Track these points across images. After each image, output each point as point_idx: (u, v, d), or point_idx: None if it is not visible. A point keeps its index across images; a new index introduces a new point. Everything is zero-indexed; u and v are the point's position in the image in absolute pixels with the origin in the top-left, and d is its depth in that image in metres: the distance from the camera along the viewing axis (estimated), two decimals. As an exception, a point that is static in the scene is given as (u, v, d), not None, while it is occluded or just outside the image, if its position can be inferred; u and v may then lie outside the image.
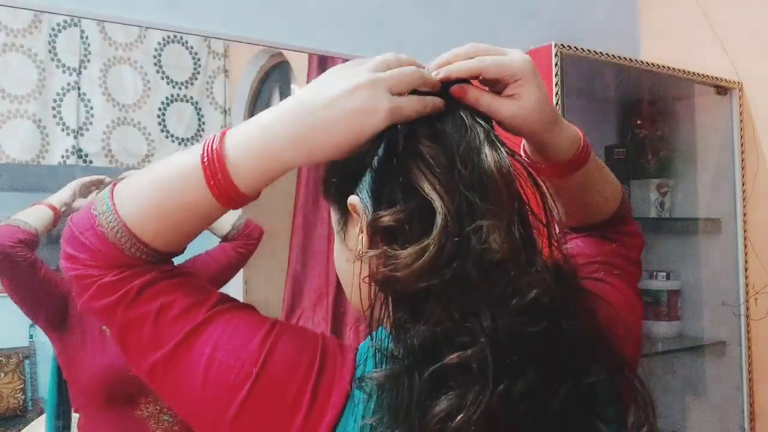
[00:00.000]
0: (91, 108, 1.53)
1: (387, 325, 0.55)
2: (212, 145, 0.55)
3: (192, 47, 1.67)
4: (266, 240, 1.64)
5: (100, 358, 1.27)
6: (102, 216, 0.56)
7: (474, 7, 1.89)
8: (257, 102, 1.93)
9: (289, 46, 1.64)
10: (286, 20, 1.59)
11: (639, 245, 0.79)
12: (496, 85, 0.62)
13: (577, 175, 0.68)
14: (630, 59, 1.82)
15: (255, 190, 0.56)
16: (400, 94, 0.56)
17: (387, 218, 0.54)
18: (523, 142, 0.68)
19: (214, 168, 0.54)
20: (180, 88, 1.65)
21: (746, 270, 2.01)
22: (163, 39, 1.60)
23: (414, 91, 0.59)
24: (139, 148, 1.60)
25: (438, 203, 0.52)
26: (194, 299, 0.57)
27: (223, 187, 0.54)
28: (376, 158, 0.59)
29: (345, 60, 1.73)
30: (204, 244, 1.55)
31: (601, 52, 1.75)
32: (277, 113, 0.56)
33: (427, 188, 0.53)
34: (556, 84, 1.61)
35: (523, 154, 0.68)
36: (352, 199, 0.60)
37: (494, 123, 0.62)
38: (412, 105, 0.56)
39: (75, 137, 1.50)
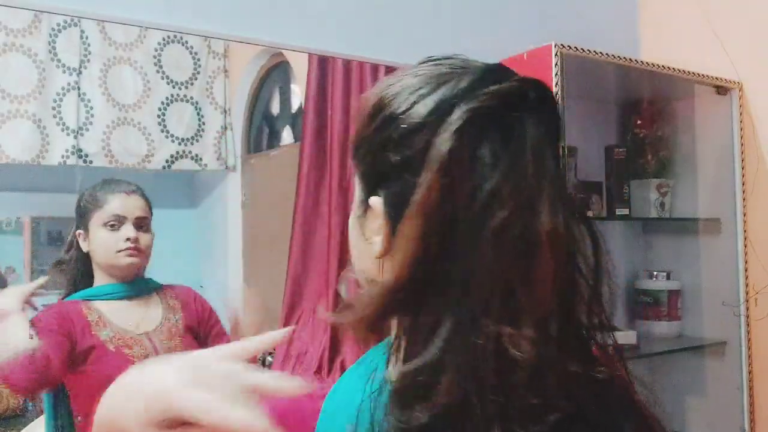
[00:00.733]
0: (91, 108, 1.53)
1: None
2: None
3: (192, 47, 1.67)
4: (266, 241, 1.64)
5: (100, 369, 1.27)
6: None
7: (474, 7, 1.89)
8: (257, 102, 1.93)
9: (289, 46, 1.64)
10: (286, 20, 1.59)
11: None
12: None
13: None
14: (630, 59, 1.82)
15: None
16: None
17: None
18: None
19: None
20: (180, 88, 1.65)
21: (746, 270, 2.00)
22: (163, 39, 1.60)
23: None
24: (139, 148, 1.60)
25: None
26: None
27: None
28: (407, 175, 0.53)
29: (345, 60, 1.74)
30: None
31: (601, 52, 1.75)
32: None
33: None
34: (556, 84, 1.61)
35: None
36: (374, 201, 0.56)
37: None
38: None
39: (75, 137, 1.50)
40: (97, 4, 1.36)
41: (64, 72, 1.50)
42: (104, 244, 1.32)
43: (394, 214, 0.54)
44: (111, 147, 1.55)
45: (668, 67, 1.90)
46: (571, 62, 1.66)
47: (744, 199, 2.01)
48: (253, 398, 0.44)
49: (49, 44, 1.47)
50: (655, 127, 2.15)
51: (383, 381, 0.51)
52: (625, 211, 2.06)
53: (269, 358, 1.74)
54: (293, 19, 1.60)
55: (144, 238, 1.35)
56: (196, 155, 1.68)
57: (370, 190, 0.57)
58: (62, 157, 1.50)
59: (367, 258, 0.58)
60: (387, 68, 1.68)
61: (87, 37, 1.52)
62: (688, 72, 1.94)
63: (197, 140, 1.68)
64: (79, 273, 1.35)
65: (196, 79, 1.68)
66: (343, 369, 1.68)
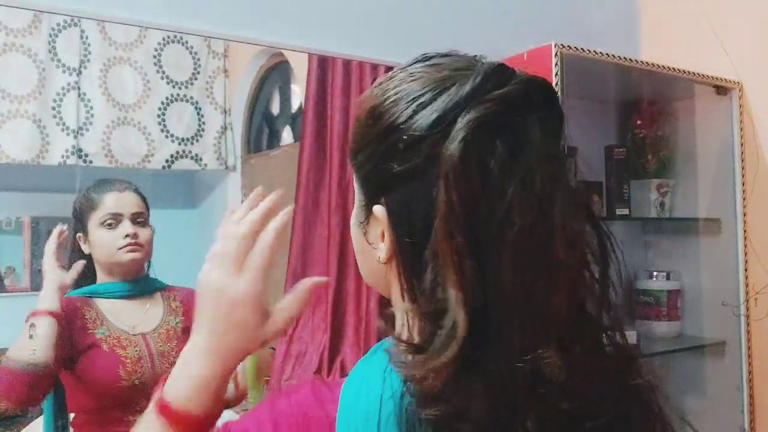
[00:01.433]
0: (91, 108, 1.53)
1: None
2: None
3: (192, 47, 1.67)
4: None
5: (92, 368, 1.26)
6: None
7: (474, 7, 1.89)
8: (257, 102, 1.93)
9: (289, 46, 1.64)
10: (286, 20, 1.59)
11: None
12: None
13: None
14: (630, 59, 1.82)
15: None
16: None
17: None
18: None
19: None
20: (180, 88, 1.65)
21: (746, 270, 2.00)
22: (163, 39, 1.60)
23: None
24: (139, 148, 1.60)
25: (457, 311, 0.47)
26: None
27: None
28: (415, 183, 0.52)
29: (345, 60, 1.74)
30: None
31: (601, 52, 1.75)
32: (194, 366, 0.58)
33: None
34: (556, 84, 1.61)
35: None
36: (378, 210, 0.55)
37: None
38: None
39: (75, 137, 1.50)
40: (97, 4, 1.36)
41: (64, 72, 1.50)
42: (104, 244, 1.32)
43: (399, 222, 0.54)
44: (111, 147, 1.55)
45: (668, 67, 1.90)
46: (571, 62, 1.66)
47: (744, 199, 2.01)
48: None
49: (49, 44, 1.47)
50: (655, 127, 2.15)
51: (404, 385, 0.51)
52: (625, 211, 2.06)
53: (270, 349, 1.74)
54: (293, 19, 1.60)
55: (143, 232, 1.34)
56: (196, 155, 1.68)
57: (371, 197, 0.57)
58: (62, 157, 1.50)
59: (372, 262, 0.58)
60: (387, 68, 1.68)
61: (87, 37, 1.52)
62: (688, 72, 1.94)
63: (197, 140, 1.68)
64: (82, 275, 1.35)
65: (196, 79, 1.68)
66: (343, 369, 1.68)
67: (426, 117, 0.51)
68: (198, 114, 1.69)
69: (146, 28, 1.54)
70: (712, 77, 1.99)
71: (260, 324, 0.57)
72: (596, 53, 1.74)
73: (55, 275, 1.24)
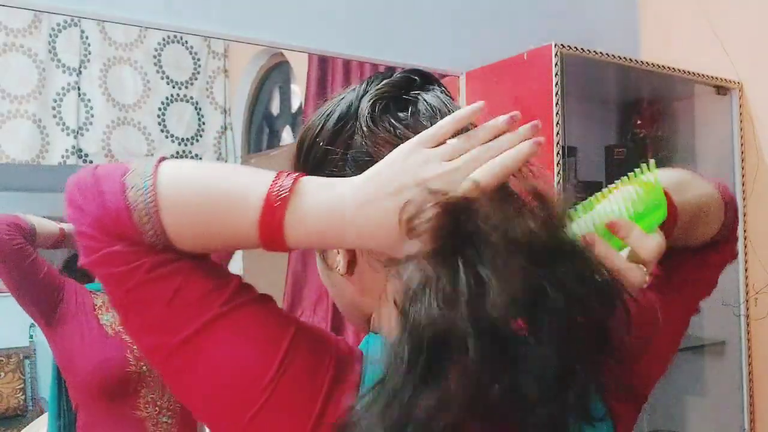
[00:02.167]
0: (91, 108, 1.53)
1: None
2: (276, 202, 0.51)
3: (192, 47, 1.67)
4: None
5: (97, 353, 1.27)
6: (136, 193, 0.51)
7: (474, 7, 1.89)
8: (257, 102, 1.93)
9: (289, 46, 1.65)
10: (286, 20, 1.59)
11: (717, 264, 0.74)
12: None
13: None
14: (630, 59, 1.82)
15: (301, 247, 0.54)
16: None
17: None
18: None
19: (272, 228, 0.51)
20: (180, 88, 1.65)
21: (746, 270, 2.00)
22: (163, 39, 1.60)
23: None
24: (139, 148, 1.60)
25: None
26: (212, 285, 0.52)
27: (275, 246, 0.52)
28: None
29: (345, 60, 1.74)
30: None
31: (601, 52, 1.75)
32: (359, 201, 0.51)
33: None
34: (556, 84, 1.61)
35: None
36: None
37: None
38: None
39: (75, 137, 1.50)
40: (97, 4, 1.36)
41: (64, 72, 1.50)
42: None
43: None
44: (111, 147, 1.55)
45: (668, 67, 1.90)
46: (571, 62, 1.66)
47: (744, 199, 2.01)
48: None
49: (49, 44, 1.47)
50: (655, 127, 2.15)
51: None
52: (625, 211, 2.06)
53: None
54: (293, 19, 1.60)
55: None
56: (196, 155, 1.68)
57: None
58: (62, 157, 1.50)
59: (345, 290, 0.61)
60: (387, 68, 1.68)
61: (87, 37, 1.52)
62: (688, 72, 1.94)
63: (197, 140, 1.68)
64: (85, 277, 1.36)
65: (196, 79, 1.68)
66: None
67: (333, 118, 0.60)
68: (198, 114, 1.69)
69: (146, 28, 1.54)
70: (712, 77, 1.99)
71: None
72: (596, 53, 1.74)
73: None
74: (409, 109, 0.58)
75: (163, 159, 0.53)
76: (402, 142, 0.53)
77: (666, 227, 0.59)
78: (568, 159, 1.88)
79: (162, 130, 1.62)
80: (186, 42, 1.65)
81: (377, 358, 0.49)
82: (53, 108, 1.48)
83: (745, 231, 2.01)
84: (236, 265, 1.76)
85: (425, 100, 0.59)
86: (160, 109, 1.62)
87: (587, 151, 2.07)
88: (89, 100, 1.52)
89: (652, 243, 0.55)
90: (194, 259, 0.53)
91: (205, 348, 0.52)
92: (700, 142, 2.12)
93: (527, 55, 1.68)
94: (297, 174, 0.52)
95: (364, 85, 0.61)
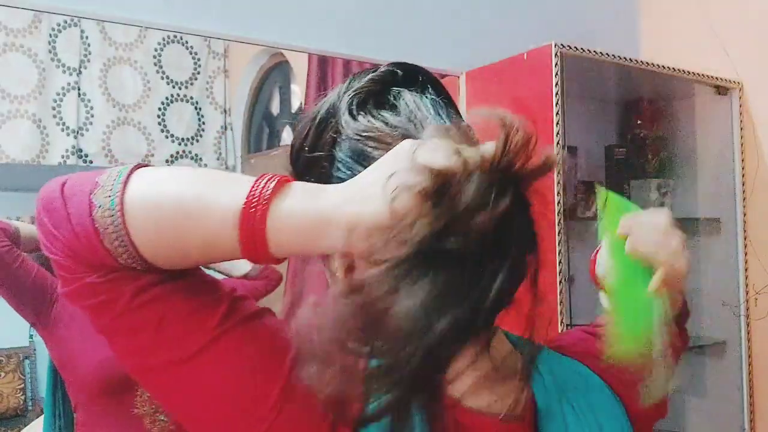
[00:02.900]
0: (91, 108, 1.53)
1: None
2: (256, 212, 0.46)
3: (192, 47, 1.67)
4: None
5: (98, 351, 1.26)
6: (104, 214, 0.46)
7: (474, 7, 1.89)
8: (257, 102, 1.93)
9: (289, 46, 1.65)
10: (286, 20, 1.59)
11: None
12: None
13: None
14: (630, 59, 1.82)
15: (287, 256, 0.50)
16: None
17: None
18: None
19: (253, 232, 0.46)
20: (180, 88, 1.65)
21: (746, 270, 2.01)
22: (163, 39, 1.60)
23: None
24: (139, 148, 1.60)
25: None
26: (200, 309, 0.49)
27: (257, 252, 0.47)
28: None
29: (345, 60, 1.74)
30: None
31: (601, 52, 1.75)
32: (344, 198, 0.47)
33: None
34: (556, 84, 1.61)
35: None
36: None
37: None
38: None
39: (75, 137, 1.50)
40: (97, 4, 1.36)
41: (64, 72, 1.50)
42: None
43: None
44: (111, 147, 1.55)
45: (668, 67, 1.90)
46: (571, 62, 1.66)
47: (744, 199, 2.01)
48: None
49: (49, 44, 1.47)
50: (655, 127, 2.16)
51: None
52: (625, 211, 2.06)
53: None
54: (293, 19, 1.60)
55: None
56: (196, 155, 1.68)
57: None
58: (62, 157, 1.49)
59: None
60: (372, 66, 1.68)
61: (87, 37, 1.52)
62: (688, 72, 1.94)
63: (197, 140, 1.68)
64: None
65: (196, 79, 1.68)
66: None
67: (316, 120, 0.60)
68: (198, 114, 1.69)
69: (146, 28, 1.54)
70: (712, 77, 2.00)
71: None
72: (596, 53, 1.74)
73: None
74: (389, 105, 0.58)
75: (137, 168, 0.50)
76: (383, 137, 0.53)
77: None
78: (569, 159, 1.88)
79: (162, 130, 1.62)
80: (186, 42, 1.65)
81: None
82: (53, 108, 1.48)
83: (745, 231, 2.01)
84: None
85: (404, 99, 0.58)
86: (160, 109, 1.62)
87: (587, 151, 2.07)
88: (89, 100, 1.52)
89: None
90: (180, 277, 0.50)
91: (203, 371, 0.49)
92: (700, 142, 2.12)
93: (527, 55, 1.68)
94: (279, 176, 0.48)
95: (347, 83, 0.61)
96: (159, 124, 1.62)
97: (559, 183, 1.58)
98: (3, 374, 1.49)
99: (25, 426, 1.45)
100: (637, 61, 1.85)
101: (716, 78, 2.00)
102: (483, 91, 1.77)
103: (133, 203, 0.47)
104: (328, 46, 1.64)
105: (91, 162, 1.53)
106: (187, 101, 1.67)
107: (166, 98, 1.63)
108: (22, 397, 1.50)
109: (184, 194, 0.48)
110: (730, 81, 2.02)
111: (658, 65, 1.88)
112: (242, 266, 1.46)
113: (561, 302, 1.59)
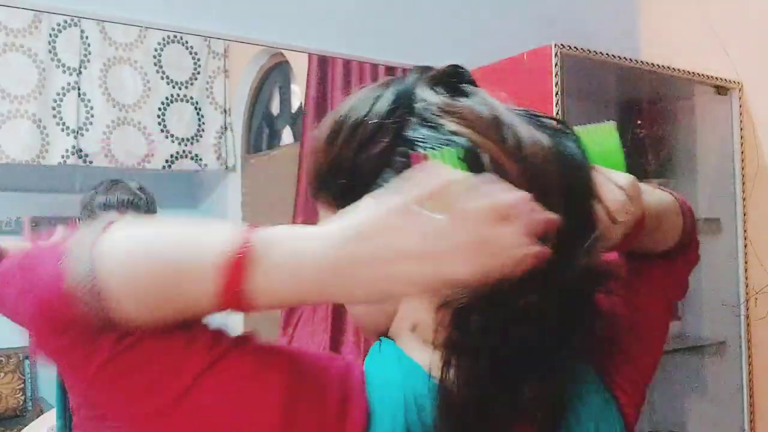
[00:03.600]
0: (91, 108, 1.53)
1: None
2: (236, 273, 0.44)
3: (192, 47, 1.67)
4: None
5: None
6: (75, 281, 0.44)
7: (474, 7, 1.89)
8: (257, 102, 1.93)
9: (289, 46, 1.65)
10: (286, 20, 1.59)
11: (683, 267, 0.76)
12: None
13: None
14: (630, 59, 1.82)
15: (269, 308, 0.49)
16: None
17: None
18: None
19: (234, 290, 0.45)
20: (180, 88, 1.65)
21: (746, 270, 2.00)
22: (163, 39, 1.60)
23: None
24: (139, 148, 1.60)
25: None
26: (186, 339, 0.47)
27: (239, 307, 0.46)
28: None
29: (345, 60, 1.74)
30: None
31: (601, 52, 1.75)
32: (348, 261, 0.45)
33: None
34: (556, 84, 1.61)
35: None
36: None
37: None
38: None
39: (75, 137, 1.50)
40: (97, 4, 1.36)
41: (64, 72, 1.50)
42: None
43: None
44: (111, 147, 1.55)
45: (668, 67, 1.90)
46: (571, 62, 1.66)
47: (744, 199, 2.01)
48: None
49: (49, 44, 1.47)
50: (655, 127, 2.16)
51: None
52: (625, 211, 2.06)
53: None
54: (293, 19, 1.60)
55: None
56: (196, 155, 1.68)
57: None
58: (62, 157, 1.49)
59: (378, 308, 0.58)
60: (387, 68, 1.68)
61: (87, 37, 1.52)
62: (688, 72, 1.94)
63: (197, 140, 1.68)
64: None
65: (196, 79, 1.68)
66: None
67: (383, 103, 0.56)
68: (198, 114, 1.69)
69: (146, 28, 1.54)
70: (712, 77, 2.00)
71: None
72: (596, 53, 1.74)
73: None
74: (468, 96, 0.56)
75: (107, 225, 0.47)
76: (467, 123, 0.52)
77: (637, 222, 0.63)
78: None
79: (162, 130, 1.62)
80: (186, 42, 1.65)
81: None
82: (53, 108, 1.48)
83: (745, 231, 2.01)
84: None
85: (478, 94, 0.57)
86: (160, 109, 1.62)
87: (587, 151, 2.06)
88: (89, 100, 1.52)
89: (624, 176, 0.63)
90: (146, 339, 0.47)
91: (202, 405, 0.47)
92: (700, 142, 2.12)
93: (527, 55, 1.68)
94: (256, 228, 0.46)
95: (407, 75, 0.59)
96: (159, 124, 1.62)
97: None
98: (3, 374, 1.49)
99: (25, 426, 1.45)
100: (637, 61, 1.85)
101: (716, 78, 2.00)
102: (483, 91, 1.77)
103: (107, 268, 0.45)
104: (328, 46, 1.64)
105: (91, 162, 1.53)
106: (187, 101, 1.67)
107: (166, 98, 1.63)
108: (22, 398, 1.50)
109: (159, 258, 0.46)
110: (730, 81, 2.02)
111: (658, 65, 1.88)
112: None
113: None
